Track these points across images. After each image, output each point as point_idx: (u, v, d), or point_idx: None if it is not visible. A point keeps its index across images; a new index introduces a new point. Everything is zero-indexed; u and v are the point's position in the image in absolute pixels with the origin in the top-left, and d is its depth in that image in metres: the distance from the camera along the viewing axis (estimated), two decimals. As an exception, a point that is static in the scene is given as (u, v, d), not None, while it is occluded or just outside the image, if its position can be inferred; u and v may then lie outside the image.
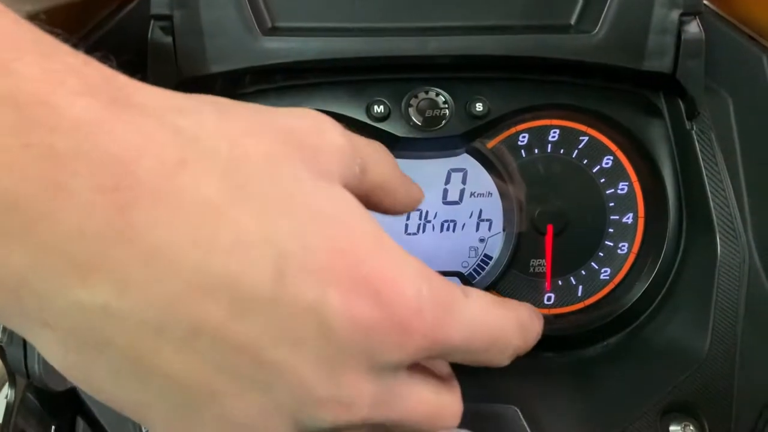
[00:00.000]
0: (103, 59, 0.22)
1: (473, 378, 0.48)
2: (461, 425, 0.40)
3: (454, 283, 0.26)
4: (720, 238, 0.47)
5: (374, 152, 0.30)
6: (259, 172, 0.22)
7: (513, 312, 0.28)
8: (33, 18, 0.22)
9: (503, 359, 0.28)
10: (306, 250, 0.22)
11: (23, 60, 0.19)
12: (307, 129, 0.26)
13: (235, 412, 0.23)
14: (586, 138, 0.51)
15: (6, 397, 0.43)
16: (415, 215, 0.51)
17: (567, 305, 0.52)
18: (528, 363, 0.50)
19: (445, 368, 0.29)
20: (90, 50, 0.45)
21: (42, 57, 0.20)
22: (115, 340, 0.21)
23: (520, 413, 0.41)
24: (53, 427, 0.42)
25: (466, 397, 0.43)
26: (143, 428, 0.41)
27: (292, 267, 0.22)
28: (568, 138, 0.51)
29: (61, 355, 0.22)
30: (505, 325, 0.28)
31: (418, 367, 0.27)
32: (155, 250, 0.20)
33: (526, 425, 0.40)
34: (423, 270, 0.24)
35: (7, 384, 0.44)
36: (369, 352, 0.23)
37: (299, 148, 0.25)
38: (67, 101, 0.19)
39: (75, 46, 0.22)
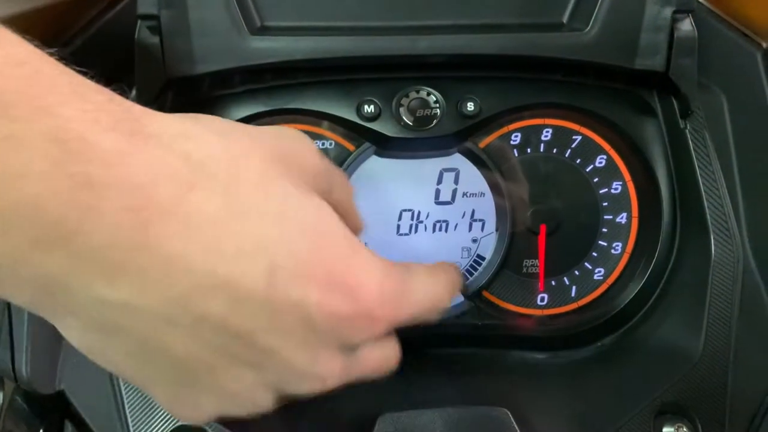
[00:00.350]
0: (120, 91, 0.26)
1: (464, 380, 0.48)
2: (451, 428, 0.40)
3: (405, 267, 0.33)
4: (714, 238, 0.46)
5: (340, 177, 0.37)
6: (254, 190, 0.27)
7: (444, 277, 0.36)
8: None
9: (436, 317, 0.36)
10: (294, 258, 0.27)
11: (64, 103, 0.23)
12: (293, 150, 0.32)
13: (229, 384, 0.28)
14: (580, 137, 0.51)
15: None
16: (407, 216, 0.51)
17: (560, 306, 0.52)
18: (520, 364, 0.51)
19: None
20: (80, 51, 0.45)
21: (77, 98, 0.24)
22: (132, 327, 0.26)
23: (510, 415, 0.40)
24: (41, 429, 0.42)
25: (457, 400, 0.43)
26: (131, 427, 0.41)
27: (282, 271, 0.27)
28: (561, 137, 0.51)
29: (81, 336, 0.27)
30: (440, 291, 0.36)
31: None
32: (171, 258, 0.25)
33: (516, 427, 0.40)
34: (384, 266, 0.31)
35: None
36: (342, 337, 0.29)
37: (287, 166, 0.30)
38: (100, 137, 0.23)
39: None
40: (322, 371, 0.30)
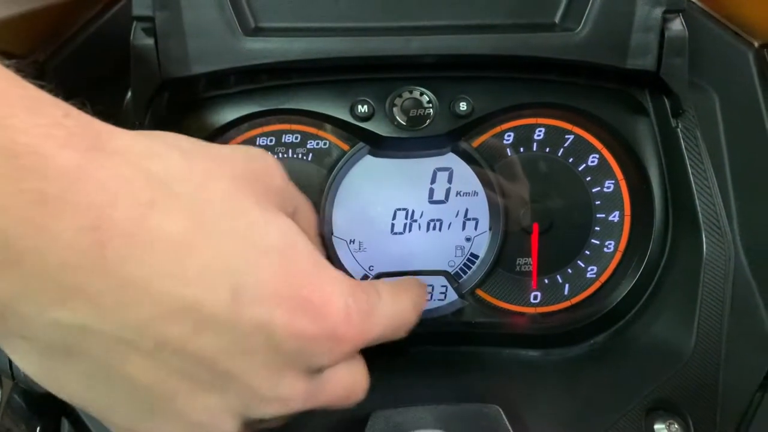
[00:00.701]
0: (80, 105, 0.25)
1: (456, 377, 0.49)
2: (442, 426, 0.40)
3: (372, 286, 0.33)
4: (706, 236, 0.46)
5: (305, 201, 0.38)
6: (219, 210, 0.27)
7: (409, 294, 0.36)
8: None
9: (403, 335, 0.36)
10: (259, 279, 0.26)
11: (16, 116, 0.22)
12: (259, 170, 0.32)
13: (191, 411, 0.27)
14: (572, 136, 0.51)
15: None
16: (401, 215, 0.51)
17: (553, 304, 0.52)
18: (514, 362, 0.51)
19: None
20: (77, 53, 0.45)
21: (30, 112, 0.23)
22: (89, 351, 0.24)
23: (502, 412, 0.41)
24: (38, 427, 0.42)
25: (450, 397, 0.43)
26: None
27: (247, 293, 0.26)
28: (554, 136, 0.51)
29: (35, 363, 0.26)
30: (407, 310, 0.35)
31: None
32: (129, 281, 0.24)
33: (508, 425, 0.40)
34: (350, 285, 0.30)
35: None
36: (306, 358, 0.29)
37: (253, 186, 0.29)
38: (53, 152, 0.22)
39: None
40: (285, 394, 0.29)
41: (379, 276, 0.51)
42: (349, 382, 0.32)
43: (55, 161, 0.22)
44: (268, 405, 0.29)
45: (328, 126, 0.50)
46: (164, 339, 0.25)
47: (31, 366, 0.26)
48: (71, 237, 0.22)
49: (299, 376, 0.29)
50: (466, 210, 0.51)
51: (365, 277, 0.51)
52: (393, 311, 0.34)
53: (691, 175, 0.47)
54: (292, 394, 0.29)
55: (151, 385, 0.26)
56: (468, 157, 0.51)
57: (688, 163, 0.47)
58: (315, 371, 0.30)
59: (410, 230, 0.51)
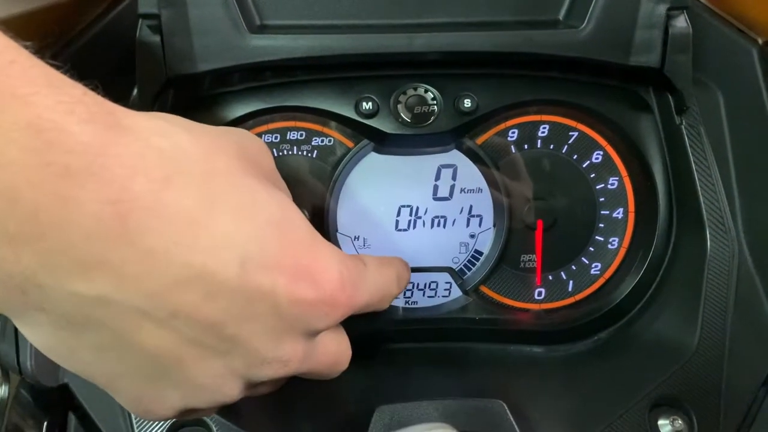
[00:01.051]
0: (92, 87, 0.26)
1: (461, 373, 0.49)
2: (447, 420, 0.40)
3: (359, 258, 0.36)
4: (710, 233, 0.47)
5: (285, 187, 0.38)
6: (226, 184, 0.28)
7: (393, 268, 0.40)
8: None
9: (387, 305, 0.39)
10: (264, 249, 0.28)
11: (39, 93, 0.23)
12: (252, 149, 0.33)
13: (197, 375, 0.29)
14: (576, 133, 0.51)
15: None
16: (405, 211, 0.51)
17: (557, 300, 0.52)
18: (518, 358, 0.51)
19: None
20: (82, 50, 0.46)
21: (52, 89, 0.24)
22: (105, 322, 0.26)
23: (506, 407, 0.41)
24: (45, 422, 0.43)
25: (455, 393, 0.44)
26: (134, 420, 0.42)
27: (253, 263, 0.28)
28: (558, 133, 0.51)
29: (48, 334, 0.27)
30: (391, 281, 0.39)
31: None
32: (150, 252, 0.25)
33: (512, 419, 0.41)
34: (341, 256, 0.33)
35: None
36: (305, 322, 0.31)
37: (251, 162, 0.31)
38: (78, 128, 0.23)
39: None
40: (285, 355, 0.31)
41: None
42: (336, 349, 0.35)
43: (79, 137, 0.23)
44: (269, 366, 0.31)
45: (333, 123, 0.50)
46: (177, 307, 0.26)
47: (43, 338, 0.27)
48: (95, 209, 0.23)
49: (298, 339, 0.31)
50: (470, 207, 0.51)
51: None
52: (378, 281, 0.37)
53: (695, 172, 0.47)
54: (291, 356, 0.31)
55: (162, 353, 0.27)
56: (472, 154, 0.51)
57: (692, 160, 0.47)
58: (311, 335, 0.32)
59: (414, 227, 0.51)
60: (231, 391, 0.31)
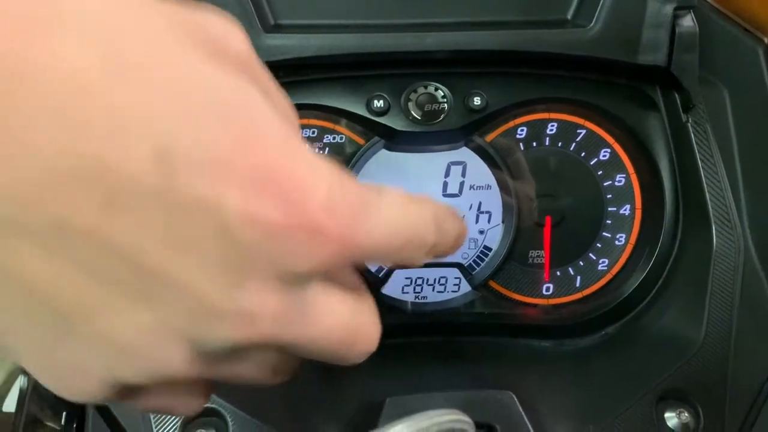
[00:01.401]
0: None
1: (470, 366, 0.50)
2: (455, 408, 0.41)
3: (371, 185, 0.24)
4: (716, 229, 0.47)
5: (271, 81, 0.26)
6: (147, 52, 0.19)
7: (429, 208, 0.26)
8: None
9: (419, 258, 0.26)
10: (197, 142, 0.19)
11: None
12: (215, 27, 0.23)
13: (115, 333, 0.20)
14: (584, 131, 0.52)
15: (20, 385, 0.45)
16: (415, 208, 0.52)
17: (565, 295, 0.53)
18: (526, 352, 0.52)
19: (353, 278, 0.26)
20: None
21: None
22: None
23: (515, 398, 0.42)
24: (64, 412, 0.43)
25: (464, 386, 0.44)
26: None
27: (179, 159, 0.19)
28: (566, 131, 0.52)
29: None
30: (420, 222, 0.25)
31: (333, 281, 0.24)
32: (11, 131, 0.17)
33: (521, 410, 0.41)
34: (338, 172, 0.22)
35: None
36: (275, 258, 0.20)
37: (202, 42, 0.21)
38: None
39: None
40: (248, 307, 0.20)
41: (393, 270, 0.52)
42: (347, 317, 0.24)
43: None
44: (224, 323, 0.20)
45: (344, 121, 0.51)
46: (61, 217, 0.18)
47: None
48: None
49: (268, 284, 0.21)
50: (480, 203, 0.52)
51: (379, 272, 0.52)
52: (401, 218, 0.24)
53: (701, 169, 0.48)
54: (258, 309, 0.21)
55: (56, 292, 0.19)
56: (481, 152, 0.52)
57: (698, 157, 0.48)
58: (292, 281, 0.21)
59: (424, 223, 0.52)
60: (172, 356, 0.21)
